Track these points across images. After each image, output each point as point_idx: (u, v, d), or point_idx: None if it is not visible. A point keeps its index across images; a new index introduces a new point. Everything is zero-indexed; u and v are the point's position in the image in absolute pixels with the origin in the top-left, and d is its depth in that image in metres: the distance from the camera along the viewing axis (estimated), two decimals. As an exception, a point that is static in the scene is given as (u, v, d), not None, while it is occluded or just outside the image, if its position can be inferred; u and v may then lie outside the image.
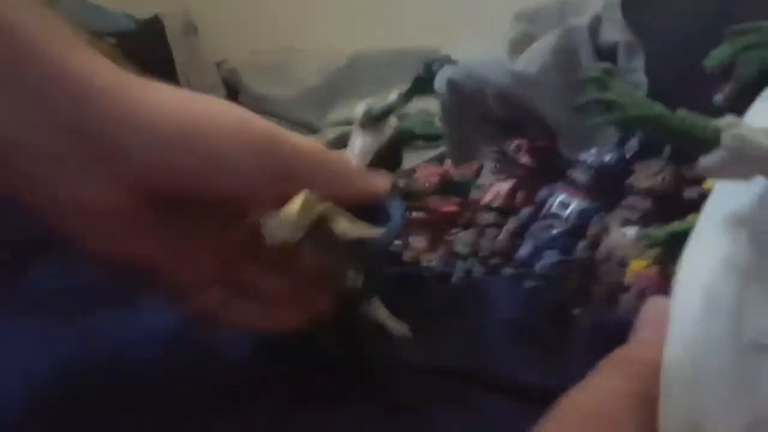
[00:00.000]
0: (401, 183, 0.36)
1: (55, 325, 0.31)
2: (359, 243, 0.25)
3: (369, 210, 0.27)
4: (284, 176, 0.25)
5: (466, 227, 0.48)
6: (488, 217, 0.46)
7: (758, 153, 0.16)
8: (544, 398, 0.19)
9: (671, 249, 0.20)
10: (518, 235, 0.44)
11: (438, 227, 0.50)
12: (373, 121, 0.30)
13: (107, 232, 0.23)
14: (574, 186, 0.41)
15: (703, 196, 0.19)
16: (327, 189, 0.26)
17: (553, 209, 0.42)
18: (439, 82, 0.48)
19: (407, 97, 0.30)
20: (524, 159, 0.45)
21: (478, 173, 0.48)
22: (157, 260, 0.25)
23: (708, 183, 0.34)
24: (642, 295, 0.33)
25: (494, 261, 0.44)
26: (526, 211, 0.44)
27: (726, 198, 0.19)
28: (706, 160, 0.17)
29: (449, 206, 0.50)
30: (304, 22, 0.92)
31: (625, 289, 0.35)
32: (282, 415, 0.29)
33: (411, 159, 0.64)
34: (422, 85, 0.30)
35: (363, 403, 0.29)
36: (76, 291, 0.34)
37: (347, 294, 0.28)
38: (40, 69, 0.21)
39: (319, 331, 0.29)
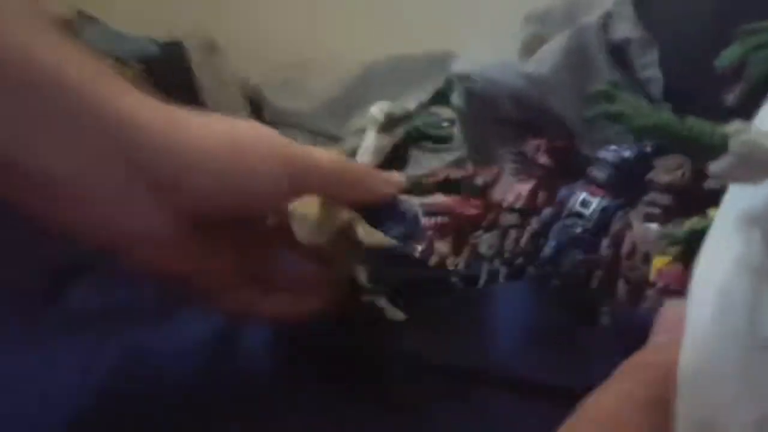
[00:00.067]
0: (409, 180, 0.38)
1: (94, 343, 0.32)
2: (376, 249, 0.28)
3: (382, 209, 0.30)
4: (310, 189, 0.28)
5: (488, 229, 0.49)
6: (511, 219, 0.47)
7: (766, 157, 0.17)
8: (568, 399, 0.20)
9: (692, 247, 0.20)
10: (541, 235, 0.44)
11: (461, 231, 0.50)
12: (392, 125, 0.32)
13: (151, 252, 0.26)
14: (594, 184, 0.42)
15: (725, 187, 0.20)
16: (347, 196, 0.29)
17: (575, 208, 0.42)
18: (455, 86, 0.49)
19: (426, 107, 0.31)
20: (543, 159, 0.46)
21: (498, 176, 0.49)
22: (190, 272, 0.27)
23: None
24: (666, 291, 0.34)
25: (518, 262, 0.45)
26: (547, 211, 0.44)
27: (739, 198, 0.19)
28: (715, 166, 0.17)
29: (472, 209, 0.51)
30: (319, 35, 0.93)
31: (650, 285, 0.35)
32: (298, 419, 0.30)
33: (432, 162, 0.65)
34: (442, 98, 0.32)
35: (366, 402, 0.30)
36: (114, 310, 0.35)
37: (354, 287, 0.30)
38: (91, 112, 0.23)
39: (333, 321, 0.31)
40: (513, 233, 0.46)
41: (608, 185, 0.40)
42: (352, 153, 0.37)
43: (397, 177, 0.31)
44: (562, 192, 0.43)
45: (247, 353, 0.33)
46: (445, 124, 0.34)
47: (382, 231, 0.30)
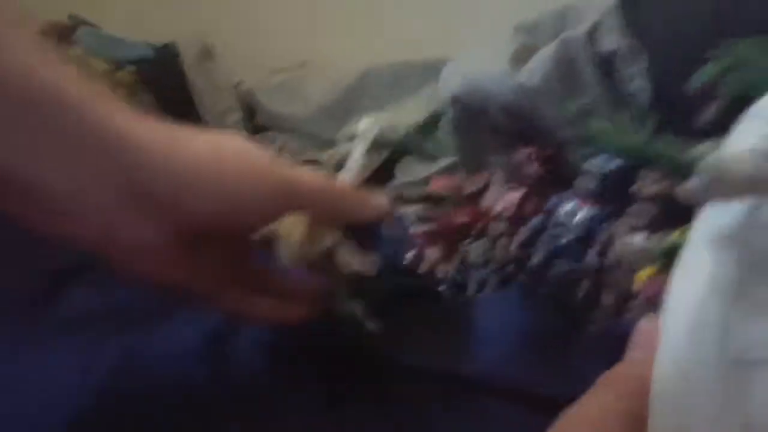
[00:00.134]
0: (394, 191, 0.39)
1: (93, 344, 0.33)
2: (357, 273, 0.29)
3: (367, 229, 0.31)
4: (296, 209, 0.29)
5: (478, 237, 0.49)
6: (500, 227, 0.47)
7: (735, 179, 0.17)
8: (551, 406, 0.20)
9: (672, 262, 0.20)
10: (530, 243, 0.44)
11: (451, 238, 0.51)
12: (380, 146, 0.32)
13: (144, 262, 0.26)
14: (582, 194, 0.42)
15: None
16: (332, 217, 0.30)
17: (563, 217, 0.42)
18: (444, 97, 0.49)
19: (417, 132, 0.32)
20: (533, 168, 0.46)
21: (488, 183, 0.49)
22: (181, 279, 0.28)
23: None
24: (650, 303, 0.34)
25: (508, 270, 0.45)
26: (536, 220, 0.44)
27: (712, 217, 0.20)
28: (686, 187, 0.18)
29: (462, 217, 0.51)
30: (315, 39, 0.93)
31: (634, 296, 0.36)
32: (298, 419, 0.30)
33: (425, 169, 0.66)
34: (431, 127, 0.32)
35: (364, 405, 0.31)
36: (111, 312, 0.36)
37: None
38: (91, 131, 0.24)
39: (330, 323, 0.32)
40: (502, 241, 0.47)
41: (595, 195, 0.40)
42: (345, 158, 0.37)
43: (382, 200, 0.31)
44: (551, 201, 0.44)
45: (245, 354, 0.33)
46: (433, 142, 0.34)
47: (367, 251, 0.30)
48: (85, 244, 0.26)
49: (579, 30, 0.42)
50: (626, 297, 0.36)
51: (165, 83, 0.81)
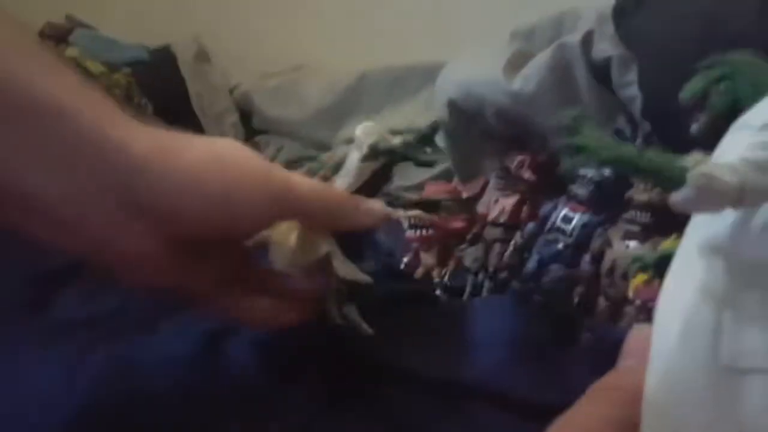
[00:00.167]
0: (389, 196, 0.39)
1: (79, 351, 0.32)
2: (352, 282, 0.29)
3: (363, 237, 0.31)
4: (289, 216, 0.29)
5: (473, 242, 0.49)
6: (495, 233, 0.47)
7: (724, 189, 0.17)
8: (543, 413, 0.20)
9: (663, 271, 0.21)
10: (525, 249, 0.45)
11: (447, 243, 0.51)
12: (375, 155, 0.32)
13: (141, 269, 0.26)
14: (575, 200, 0.42)
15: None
16: (326, 224, 0.30)
17: (557, 223, 0.42)
18: (440, 102, 0.49)
19: (412, 143, 0.31)
20: (527, 174, 0.46)
21: (483, 189, 0.49)
22: (176, 283, 0.28)
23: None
24: (644, 309, 0.34)
25: (502, 275, 0.45)
26: (531, 226, 0.45)
27: (702, 226, 0.20)
28: (675, 197, 0.18)
29: (457, 223, 0.51)
30: (311, 42, 0.94)
31: (629, 302, 0.36)
32: (293, 423, 0.30)
33: (421, 174, 0.66)
34: (427, 139, 0.32)
35: (360, 409, 0.31)
36: (99, 319, 0.35)
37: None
38: (89, 141, 0.24)
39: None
40: (497, 247, 0.47)
41: (589, 202, 0.41)
42: (343, 161, 0.37)
43: (379, 208, 0.31)
44: (545, 207, 0.44)
45: (239, 358, 0.33)
46: (429, 150, 0.34)
47: (361, 258, 0.30)
48: (82, 252, 0.26)
49: (574, 37, 0.42)
50: (620, 303, 0.36)
51: (161, 85, 0.81)
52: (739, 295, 0.18)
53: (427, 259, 0.52)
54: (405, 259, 0.52)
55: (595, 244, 0.39)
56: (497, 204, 0.48)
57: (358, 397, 0.31)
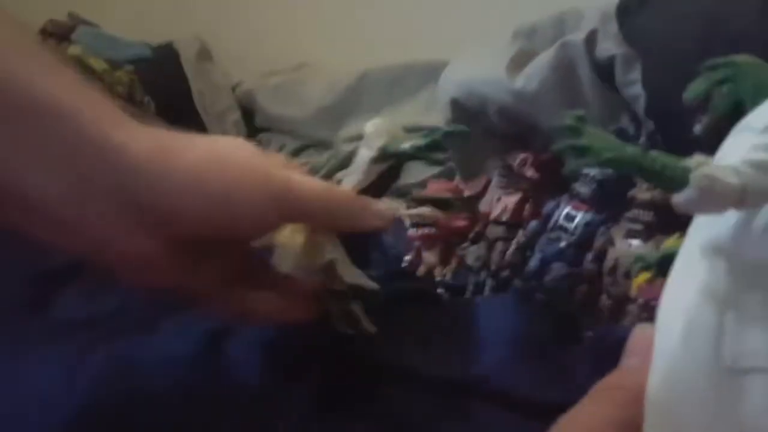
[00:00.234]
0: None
1: (78, 353, 0.32)
2: (357, 286, 0.28)
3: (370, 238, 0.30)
4: (296, 218, 0.28)
5: (475, 241, 0.49)
6: (497, 231, 0.47)
7: (726, 190, 0.17)
8: (546, 412, 0.20)
9: (665, 270, 0.21)
10: (527, 247, 0.45)
11: (449, 242, 0.51)
12: (384, 158, 0.31)
13: (142, 269, 0.26)
14: (578, 198, 0.42)
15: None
16: (333, 226, 0.29)
17: (560, 222, 0.43)
18: (442, 101, 0.49)
19: (420, 150, 0.31)
20: (530, 173, 0.46)
21: (485, 188, 0.50)
22: (178, 283, 0.28)
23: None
24: (647, 307, 0.34)
25: (504, 274, 0.46)
26: (533, 224, 0.45)
27: (704, 227, 0.20)
28: (677, 198, 0.18)
29: (459, 221, 0.51)
30: (313, 41, 0.94)
31: (631, 300, 0.36)
32: (294, 423, 0.30)
33: (423, 172, 0.66)
34: (435, 145, 0.31)
35: (361, 409, 0.31)
36: (99, 319, 0.35)
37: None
38: (89, 143, 0.24)
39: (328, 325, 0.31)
40: (499, 245, 0.47)
41: (592, 200, 0.41)
42: (345, 160, 0.36)
43: (387, 208, 0.30)
44: (548, 206, 0.44)
45: (234, 363, 0.33)
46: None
47: (368, 260, 0.30)
48: (82, 252, 0.26)
49: (578, 36, 0.42)
50: (622, 302, 0.37)
51: (164, 83, 0.82)
52: (741, 296, 0.19)
53: (429, 257, 0.52)
54: (407, 258, 0.52)
55: (598, 242, 0.40)
56: (500, 202, 0.48)
57: (360, 397, 0.31)
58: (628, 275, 0.37)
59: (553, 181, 0.45)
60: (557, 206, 0.43)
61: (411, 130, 0.32)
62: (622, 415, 0.19)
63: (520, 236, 0.45)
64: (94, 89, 0.25)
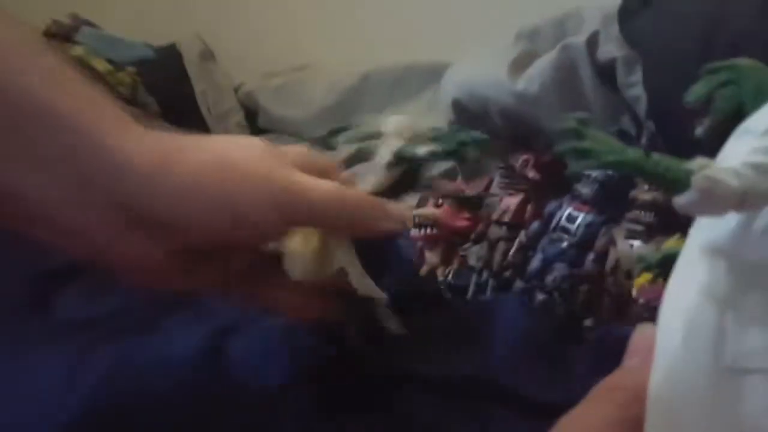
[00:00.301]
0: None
1: (80, 354, 0.32)
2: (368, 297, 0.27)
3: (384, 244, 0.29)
4: (303, 221, 0.27)
5: (477, 241, 0.49)
6: (499, 232, 0.48)
7: (727, 192, 0.17)
8: (548, 412, 0.21)
9: (666, 271, 0.21)
10: (529, 248, 0.45)
11: (451, 242, 0.51)
12: (400, 164, 0.29)
13: (144, 273, 0.26)
14: (580, 199, 0.42)
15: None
16: (344, 229, 0.28)
17: (562, 223, 0.43)
18: (444, 102, 0.49)
19: (437, 156, 0.29)
20: (531, 173, 0.46)
21: (487, 188, 0.50)
22: (181, 285, 0.27)
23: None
24: (648, 307, 0.34)
25: (506, 274, 0.46)
26: (535, 225, 0.45)
27: (705, 229, 0.20)
28: (679, 200, 0.18)
29: (461, 221, 0.52)
30: (315, 42, 0.94)
31: (633, 301, 0.36)
32: (297, 425, 0.30)
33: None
34: (451, 154, 0.29)
35: (363, 410, 0.31)
36: (100, 319, 0.35)
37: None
38: (86, 150, 0.23)
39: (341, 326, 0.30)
40: (501, 246, 0.47)
41: (593, 201, 0.41)
42: (347, 162, 0.34)
43: (403, 210, 0.30)
44: (550, 206, 0.44)
45: (235, 363, 0.33)
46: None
47: (384, 267, 0.28)
48: (83, 254, 0.26)
49: (579, 38, 0.43)
50: (624, 302, 0.37)
51: (166, 84, 0.82)
52: (741, 297, 0.19)
53: (432, 257, 0.52)
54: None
55: (599, 243, 0.40)
56: (501, 203, 0.48)
57: (362, 398, 0.31)
58: (629, 275, 0.37)
59: (554, 182, 0.45)
60: (559, 207, 0.43)
61: (433, 137, 0.29)
62: (623, 415, 0.19)
63: (522, 237, 0.45)
64: (96, 91, 0.25)
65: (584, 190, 0.42)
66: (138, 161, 0.24)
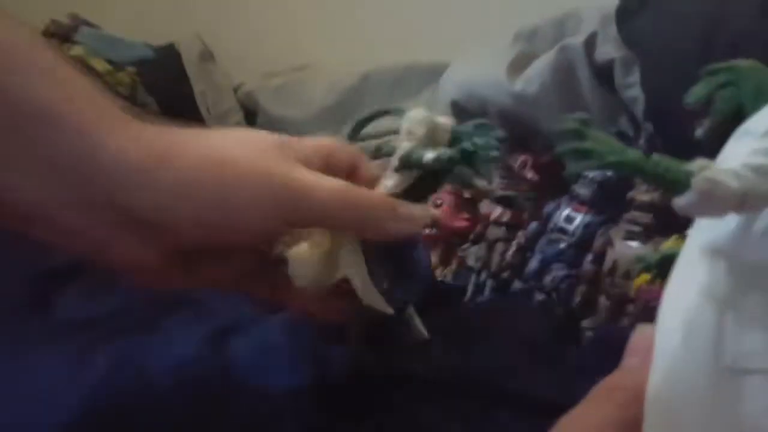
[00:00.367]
0: None
1: (82, 351, 0.33)
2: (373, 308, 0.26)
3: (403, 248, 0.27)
4: (308, 221, 0.26)
5: (476, 242, 0.50)
6: (497, 232, 0.48)
7: (727, 194, 0.17)
8: (547, 412, 0.21)
9: (665, 271, 0.21)
10: (527, 249, 0.45)
11: (450, 243, 0.51)
12: (407, 167, 0.26)
13: (145, 274, 0.26)
14: (578, 200, 0.43)
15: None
16: (357, 231, 0.26)
17: (560, 223, 0.43)
18: (443, 103, 0.49)
19: (442, 163, 0.26)
20: (530, 174, 0.47)
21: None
22: (189, 286, 0.27)
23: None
24: (646, 308, 0.35)
25: (505, 275, 0.46)
26: (533, 226, 0.45)
27: (705, 230, 0.20)
28: (679, 201, 0.18)
29: (460, 222, 0.52)
30: (315, 42, 0.94)
31: (631, 301, 0.36)
32: (298, 426, 0.30)
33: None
34: (460, 160, 0.27)
35: (364, 416, 0.31)
36: (101, 320, 0.35)
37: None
38: (85, 152, 0.23)
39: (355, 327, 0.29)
40: (500, 246, 0.47)
41: (591, 202, 0.41)
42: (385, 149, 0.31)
43: (421, 211, 0.26)
44: (548, 207, 0.44)
45: (236, 363, 0.33)
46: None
47: (404, 273, 0.27)
48: (83, 254, 0.26)
49: (577, 39, 0.43)
50: (622, 303, 0.37)
51: (166, 84, 0.82)
52: (740, 297, 0.19)
53: (431, 258, 0.53)
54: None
55: (597, 243, 0.40)
56: (499, 204, 0.48)
57: (362, 399, 0.31)
58: (627, 276, 0.37)
59: (552, 183, 0.46)
60: (557, 208, 0.43)
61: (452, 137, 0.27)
62: (622, 415, 0.19)
63: (521, 237, 0.45)
64: (95, 90, 0.25)
65: (582, 190, 0.42)
66: (136, 159, 0.24)
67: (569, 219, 0.42)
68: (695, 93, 0.21)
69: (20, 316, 0.35)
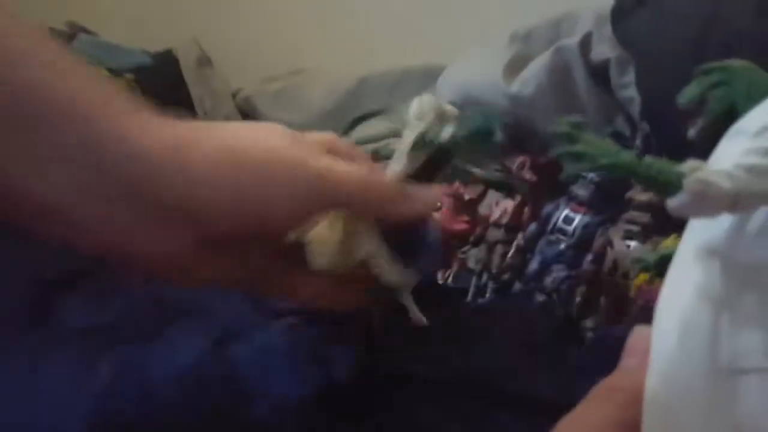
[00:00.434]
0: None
1: (87, 358, 0.32)
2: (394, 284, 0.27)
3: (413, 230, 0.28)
4: (332, 206, 0.27)
5: (476, 244, 0.50)
6: (497, 234, 0.48)
7: (720, 194, 0.18)
8: (548, 412, 0.21)
9: (664, 271, 0.21)
10: (527, 250, 0.45)
11: (450, 245, 0.51)
12: (423, 147, 0.27)
13: (165, 267, 0.26)
14: (576, 201, 0.43)
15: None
16: (372, 214, 0.27)
17: (559, 224, 0.43)
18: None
19: (460, 142, 0.27)
20: (528, 175, 0.47)
21: (485, 192, 0.50)
22: (209, 278, 0.27)
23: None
24: (646, 308, 0.35)
25: (505, 276, 0.46)
26: (533, 227, 0.45)
27: (700, 230, 0.20)
28: (672, 202, 0.18)
29: (460, 224, 0.52)
30: (313, 46, 0.94)
31: (631, 301, 0.36)
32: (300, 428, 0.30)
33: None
34: (478, 135, 0.28)
35: (364, 417, 0.31)
36: (107, 325, 0.35)
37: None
38: (101, 145, 0.23)
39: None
40: (500, 248, 0.47)
41: (590, 202, 0.41)
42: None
43: (433, 194, 0.28)
44: (547, 208, 0.44)
45: (237, 369, 0.33)
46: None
47: (408, 256, 0.28)
48: (104, 252, 0.25)
49: (573, 39, 0.43)
50: (622, 303, 0.37)
51: (164, 90, 0.82)
52: (736, 297, 0.19)
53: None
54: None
55: (597, 244, 0.40)
56: (499, 205, 0.48)
57: (362, 399, 0.31)
58: (626, 276, 0.37)
59: (551, 184, 0.46)
60: (556, 208, 0.43)
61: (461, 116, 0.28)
62: (622, 416, 0.19)
63: (520, 239, 0.46)
64: (109, 85, 0.25)
65: (581, 191, 0.42)
66: (153, 151, 0.23)
67: (568, 220, 0.42)
68: (688, 93, 0.21)
69: (23, 324, 0.36)
